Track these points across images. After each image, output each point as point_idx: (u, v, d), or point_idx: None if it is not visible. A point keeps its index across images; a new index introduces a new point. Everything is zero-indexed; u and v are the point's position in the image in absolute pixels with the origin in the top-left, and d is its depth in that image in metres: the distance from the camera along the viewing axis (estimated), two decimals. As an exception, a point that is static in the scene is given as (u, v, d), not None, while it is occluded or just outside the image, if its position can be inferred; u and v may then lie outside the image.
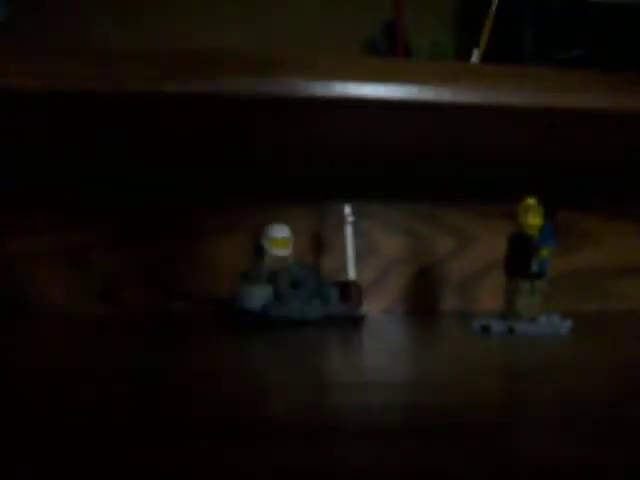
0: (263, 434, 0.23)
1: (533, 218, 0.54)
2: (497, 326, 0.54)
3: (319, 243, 0.72)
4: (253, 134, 0.54)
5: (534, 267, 0.54)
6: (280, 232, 0.62)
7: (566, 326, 0.54)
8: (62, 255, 0.68)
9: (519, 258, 0.54)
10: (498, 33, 0.61)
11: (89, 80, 0.41)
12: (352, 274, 0.63)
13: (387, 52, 0.68)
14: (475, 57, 0.60)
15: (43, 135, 0.53)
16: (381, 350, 0.44)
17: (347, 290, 0.61)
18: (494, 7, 0.61)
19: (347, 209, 0.63)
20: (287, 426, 0.24)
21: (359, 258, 0.67)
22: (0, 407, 0.27)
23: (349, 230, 0.63)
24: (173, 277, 0.70)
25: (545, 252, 0.54)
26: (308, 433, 0.23)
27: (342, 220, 0.63)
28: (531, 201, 0.55)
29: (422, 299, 0.74)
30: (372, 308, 0.72)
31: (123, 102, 0.45)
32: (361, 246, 0.71)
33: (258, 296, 0.58)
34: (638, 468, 0.20)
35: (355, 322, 0.59)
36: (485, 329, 0.54)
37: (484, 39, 0.61)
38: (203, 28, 0.71)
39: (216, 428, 0.24)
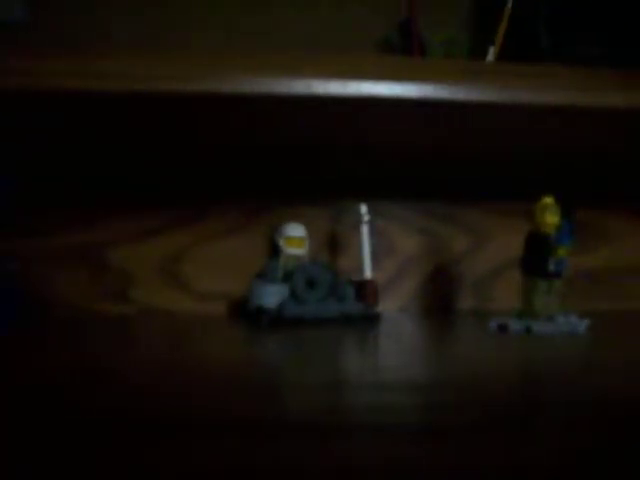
0: (278, 432, 0.23)
1: (550, 217, 0.54)
2: (514, 325, 0.54)
3: (335, 242, 0.72)
4: (269, 133, 0.54)
5: (551, 266, 0.54)
6: (296, 231, 0.62)
7: (583, 325, 0.53)
8: (78, 255, 0.69)
9: (536, 257, 0.54)
10: (514, 31, 0.61)
11: (111, 79, 0.42)
12: (368, 273, 0.62)
13: (402, 51, 0.67)
14: (491, 55, 0.60)
15: (62, 134, 0.54)
16: (397, 349, 0.44)
17: (363, 289, 0.61)
18: (510, 4, 0.61)
19: (363, 208, 0.63)
20: (303, 425, 0.24)
21: (375, 257, 0.67)
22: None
23: (365, 229, 0.62)
24: (188, 276, 0.70)
25: (562, 251, 0.54)
26: (324, 432, 0.23)
27: (358, 219, 0.63)
28: (548, 200, 0.54)
29: (438, 298, 0.73)
30: (388, 307, 0.72)
31: (141, 101, 0.45)
32: (377, 245, 0.71)
33: (274, 295, 0.58)
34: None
35: (371, 321, 0.59)
36: (502, 328, 0.54)
37: (500, 37, 0.60)
38: (218, 28, 0.72)
39: (231, 426, 0.24)
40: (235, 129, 0.53)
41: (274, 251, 0.65)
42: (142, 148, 0.59)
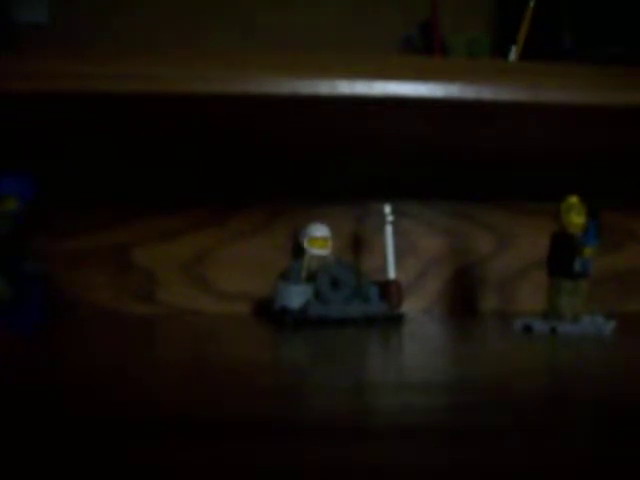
0: (301, 433, 0.23)
1: (576, 217, 0.53)
2: (539, 326, 0.54)
3: (359, 242, 0.72)
4: (294, 134, 0.54)
5: (577, 267, 0.53)
6: (320, 231, 0.62)
7: (610, 327, 0.53)
8: (103, 256, 0.69)
9: (562, 257, 0.54)
10: (535, 30, 0.61)
11: (130, 81, 0.42)
12: (392, 273, 0.62)
13: (423, 51, 0.67)
14: (513, 55, 0.60)
15: (89, 135, 0.54)
16: (422, 350, 0.44)
17: (387, 289, 0.61)
18: (532, 4, 0.60)
19: (387, 208, 0.63)
20: (327, 426, 0.24)
21: (398, 257, 0.67)
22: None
23: (389, 229, 0.62)
24: (213, 277, 0.70)
25: (588, 251, 0.53)
26: (347, 433, 0.23)
27: (382, 219, 0.63)
28: (574, 200, 0.54)
29: (462, 299, 0.73)
30: (411, 308, 0.71)
31: (167, 103, 0.45)
32: (401, 245, 0.70)
33: (298, 295, 0.58)
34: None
35: (395, 321, 0.59)
36: (527, 329, 0.54)
37: (522, 36, 0.60)
38: (239, 28, 0.72)
39: (256, 426, 0.24)
40: (259, 130, 0.53)
41: (298, 252, 0.65)
42: (167, 149, 0.59)
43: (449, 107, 0.47)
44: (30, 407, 0.27)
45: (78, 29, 0.70)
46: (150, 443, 0.22)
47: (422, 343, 0.47)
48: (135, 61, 0.42)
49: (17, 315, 0.48)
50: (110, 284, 0.69)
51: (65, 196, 0.69)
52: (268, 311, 0.64)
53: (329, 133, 0.54)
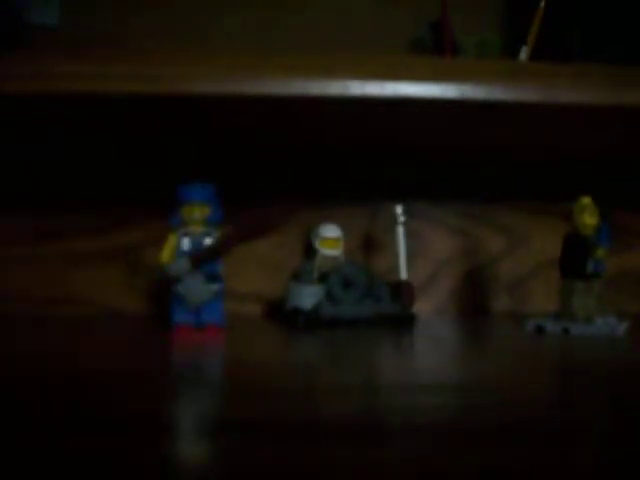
0: (313, 432, 0.23)
1: (589, 218, 0.53)
2: (552, 327, 0.53)
3: (370, 243, 0.72)
4: (305, 134, 0.54)
5: (590, 267, 0.53)
6: (331, 232, 0.62)
7: (623, 327, 0.53)
8: (112, 255, 0.70)
9: (575, 258, 0.54)
10: (545, 31, 0.60)
11: (140, 81, 0.43)
12: (404, 274, 0.62)
13: (434, 51, 0.67)
14: (523, 55, 0.60)
15: (99, 135, 0.55)
16: (434, 350, 0.44)
17: (399, 290, 0.61)
18: (542, 4, 0.60)
19: (398, 209, 0.62)
20: (338, 425, 0.24)
21: (410, 258, 0.67)
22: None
23: (401, 230, 0.62)
24: (224, 276, 0.70)
25: (601, 252, 0.53)
26: (359, 433, 0.24)
27: (393, 220, 0.63)
28: (586, 200, 0.54)
29: (473, 299, 0.73)
30: (423, 308, 0.71)
31: (174, 102, 0.46)
32: (412, 246, 0.70)
33: (309, 296, 0.58)
34: None
35: (407, 322, 0.59)
36: (539, 329, 0.54)
37: (532, 37, 0.60)
38: (253, 28, 0.72)
39: (267, 426, 0.24)
40: (270, 130, 0.53)
41: (309, 252, 0.65)
42: (175, 149, 0.59)
43: (460, 107, 0.47)
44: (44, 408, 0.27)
45: (88, 32, 0.70)
46: (156, 443, 0.22)
47: (434, 343, 0.47)
48: (135, 61, 0.43)
49: None
50: (119, 283, 0.69)
51: (74, 195, 0.69)
52: (280, 311, 0.64)
53: (341, 133, 0.54)
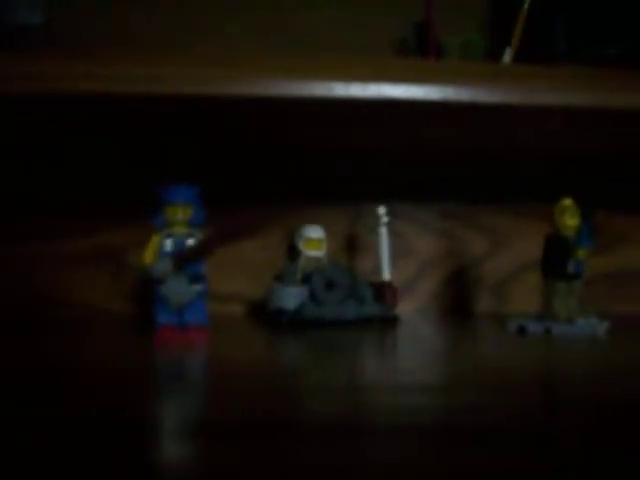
0: (297, 433, 0.24)
1: (570, 219, 0.54)
2: (534, 327, 0.54)
3: (353, 244, 0.72)
4: (288, 135, 0.54)
5: (571, 268, 0.54)
6: (314, 233, 0.62)
7: (604, 327, 0.53)
8: (97, 257, 0.69)
9: (556, 259, 0.54)
10: (529, 32, 0.61)
11: (132, 83, 0.42)
12: (387, 275, 0.62)
13: (418, 53, 0.68)
14: (507, 57, 0.60)
15: (82, 137, 0.54)
16: (416, 351, 0.44)
17: (382, 291, 0.61)
18: (526, 6, 0.60)
19: (382, 210, 0.63)
20: (321, 426, 0.24)
21: (393, 259, 0.67)
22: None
23: (384, 231, 0.62)
24: (207, 277, 0.70)
25: (582, 253, 0.54)
26: (342, 433, 0.24)
27: (377, 221, 0.63)
28: (568, 202, 0.54)
29: (456, 300, 0.73)
30: (406, 309, 0.72)
31: (164, 103, 0.45)
32: (395, 247, 0.71)
33: (293, 297, 0.58)
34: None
35: (390, 323, 0.59)
36: (521, 330, 0.54)
37: (516, 38, 0.60)
38: (237, 30, 0.72)
39: (251, 427, 0.24)
40: (253, 131, 0.53)
41: (292, 253, 0.65)
42: (158, 150, 0.59)
43: (443, 109, 0.47)
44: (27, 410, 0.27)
45: (72, 30, 0.70)
46: (146, 445, 0.22)
47: (417, 344, 0.47)
48: (136, 62, 0.43)
49: None
50: (104, 285, 0.69)
51: (61, 197, 0.69)
52: (263, 312, 0.64)
53: (324, 134, 0.54)
